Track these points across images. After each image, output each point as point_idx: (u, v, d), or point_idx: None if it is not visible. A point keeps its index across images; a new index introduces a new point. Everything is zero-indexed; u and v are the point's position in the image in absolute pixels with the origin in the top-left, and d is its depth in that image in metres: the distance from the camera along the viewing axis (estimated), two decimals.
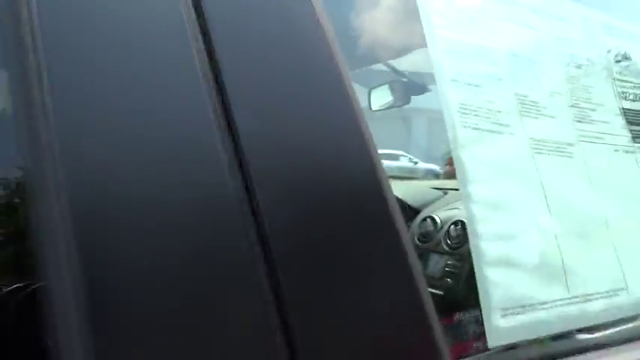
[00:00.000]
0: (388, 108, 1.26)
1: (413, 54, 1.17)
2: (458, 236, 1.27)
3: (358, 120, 0.43)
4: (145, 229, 0.32)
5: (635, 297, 0.65)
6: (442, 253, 1.29)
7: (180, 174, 0.34)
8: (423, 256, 1.34)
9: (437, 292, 1.26)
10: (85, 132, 0.32)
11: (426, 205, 1.50)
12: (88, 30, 0.35)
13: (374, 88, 1.30)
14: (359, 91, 1.53)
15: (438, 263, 1.29)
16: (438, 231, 1.34)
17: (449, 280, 1.24)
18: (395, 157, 12.48)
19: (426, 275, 1.32)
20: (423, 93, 1.24)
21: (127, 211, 0.32)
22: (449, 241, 1.29)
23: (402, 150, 12.24)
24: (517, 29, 0.68)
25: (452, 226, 1.30)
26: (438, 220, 1.35)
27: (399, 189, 1.60)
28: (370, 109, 1.32)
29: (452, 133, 0.58)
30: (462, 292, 1.21)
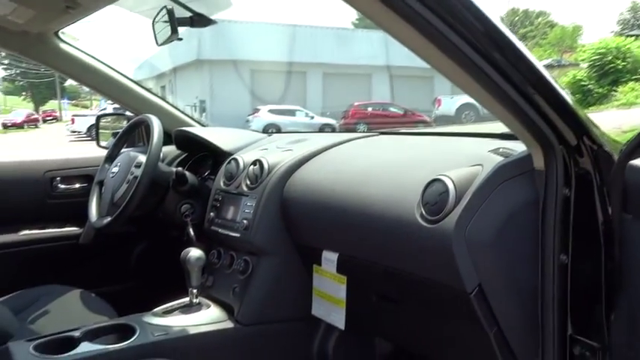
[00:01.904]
0: (170, 41, 1.16)
1: None
2: (255, 176, 1.23)
3: None
4: None
5: None
6: (241, 194, 1.25)
7: None
8: (226, 197, 1.29)
9: (234, 234, 1.22)
10: None
11: (240, 148, 1.44)
12: None
13: (156, 20, 1.18)
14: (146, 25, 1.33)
15: (237, 204, 1.25)
16: (241, 172, 1.29)
17: (245, 221, 1.20)
18: (292, 113, 12.50)
19: (224, 217, 1.28)
20: (207, 25, 1.15)
21: None
22: (248, 182, 1.24)
23: (299, 105, 12.24)
24: None
25: (251, 167, 1.25)
26: (240, 162, 1.31)
27: (213, 134, 1.53)
28: (157, 44, 1.21)
29: None
30: (256, 232, 1.18)
